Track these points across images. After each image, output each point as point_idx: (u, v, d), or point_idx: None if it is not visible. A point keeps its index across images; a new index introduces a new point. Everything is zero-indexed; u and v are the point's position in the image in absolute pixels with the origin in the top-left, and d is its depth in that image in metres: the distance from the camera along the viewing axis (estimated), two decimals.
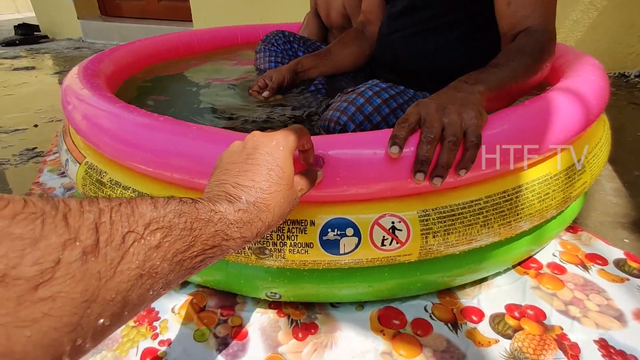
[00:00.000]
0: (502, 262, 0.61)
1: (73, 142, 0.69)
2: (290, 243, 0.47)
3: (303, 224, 0.47)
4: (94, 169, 0.60)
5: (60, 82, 1.85)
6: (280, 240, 0.47)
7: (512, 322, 0.54)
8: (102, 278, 0.21)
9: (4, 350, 0.17)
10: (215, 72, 1.16)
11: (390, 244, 0.48)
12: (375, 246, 0.48)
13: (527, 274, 0.63)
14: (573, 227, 0.73)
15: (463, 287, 0.61)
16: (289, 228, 0.47)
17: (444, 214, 0.49)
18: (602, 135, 0.67)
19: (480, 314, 0.56)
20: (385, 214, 0.48)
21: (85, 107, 0.63)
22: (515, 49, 0.59)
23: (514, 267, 0.64)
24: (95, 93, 0.64)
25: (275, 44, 1.07)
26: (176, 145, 0.49)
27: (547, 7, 0.63)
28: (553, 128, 0.53)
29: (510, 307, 0.57)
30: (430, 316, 0.56)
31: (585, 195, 0.76)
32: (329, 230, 0.47)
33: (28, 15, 4.32)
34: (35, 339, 0.17)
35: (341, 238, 0.47)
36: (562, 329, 0.53)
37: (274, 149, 0.36)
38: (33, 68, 2.13)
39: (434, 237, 0.49)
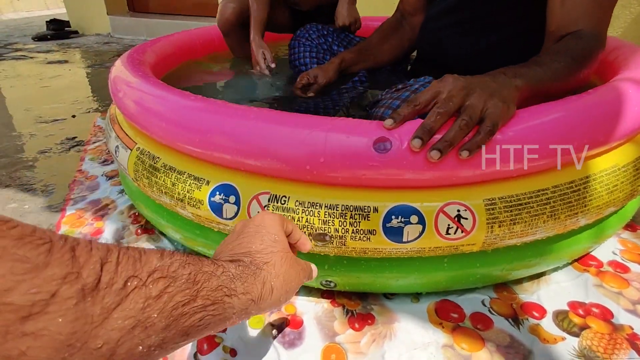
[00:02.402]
0: (561, 257, 0.58)
1: (122, 129, 0.70)
2: (352, 230, 0.46)
3: (366, 210, 0.46)
4: (147, 154, 0.60)
5: (92, 75, 1.88)
6: (342, 227, 0.46)
7: (577, 319, 0.52)
8: (94, 322, 0.19)
9: None
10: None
11: (455, 233, 0.46)
12: (440, 235, 0.46)
13: (588, 271, 0.60)
14: (632, 226, 0.70)
15: (520, 282, 0.59)
16: (351, 214, 0.46)
17: (510, 203, 0.47)
18: None
19: (542, 310, 0.54)
20: (450, 202, 0.46)
21: (137, 93, 0.63)
22: (562, 50, 0.55)
23: (571, 263, 0.62)
24: (146, 80, 0.64)
25: (310, 38, 1.06)
26: (230, 126, 0.49)
27: (603, 13, 0.58)
28: (621, 118, 0.51)
29: (574, 305, 0.54)
30: (490, 310, 0.54)
31: None
32: (393, 217, 0.45)
33: (56, 12, 4.42)
34: None
35: (405, 225, 0.45)
36: (632, 329, 0.50)
37: (263, 219, 0.38)
38: (66, 62, 2.18)
39: (499, 226, 0.47)
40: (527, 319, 0.52)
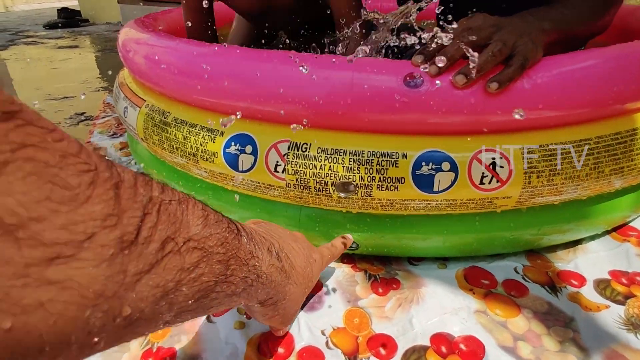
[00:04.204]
0: (598, 223, 0.54)
1: (130, 89, 0.67)
2: (379, 178, 0.42)
3: (394, 157, 0.42)
4: (156, 110, 0.57)
5: (102, 58, 1.86)
6: (369, 174, 0.42)
7: (620, 288, 0.48)
8: (125, 284, 0.15)
9: None
10: None
11: (489, 183, 0.42)
12: (473, 184, 0.42)
13: (628, 241, 0.56)
14: None
15: (554, 250, 0.54)
16: (378, 161, 0.42)
17: (550, 152, 0.43)
18: None
19: (581, 279, 0.49)
20: (485, 149, 0.42)
21: (145, 48, 0.60)
22: None
23: (609, 233, 0.58)
24: (156, 34, 0.61)
25: None
26: (246, 70, 0.45)
27: None
28: None
29: (616, 274, 0.50)
30: (523, 277, 0.50)
31: None
32: (423, 163, 0.42)
33: (68, 3, 4.44)
34: (14, 337, 0.12)
35: (436, 173, 0.42)
36: None
37: (317, 256, 0.39)
38: (76, 47, 2.17)
39: (538, 177, 0.43)
40: (566, 287, 0.48)
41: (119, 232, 0.15)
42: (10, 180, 0.11)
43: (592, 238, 0.56)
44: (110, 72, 1.60)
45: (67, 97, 1.26)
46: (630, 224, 0.60)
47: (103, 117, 1.09)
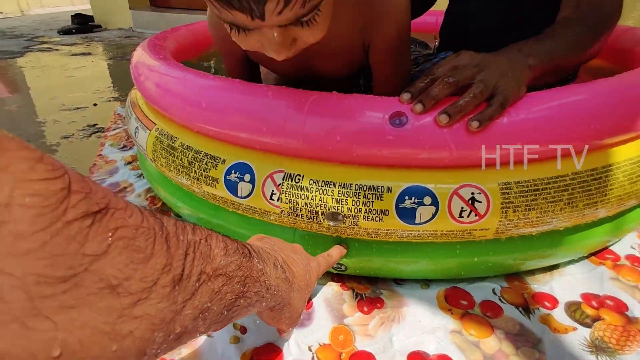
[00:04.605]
0: (578, 249, 0.57)
1: (142, 111, 0.71)
2: (365, 210, 0.46)
3: (379, 191, 0.46)
4: (165, 135, 0.62)
5: (113, 66, 1.93)
6: (355, 206, 0.46)
7: (590, 311, 0.51)
8: (177, 310, 0.21)
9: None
10: None
11: (468, 216, 0.46)
12: (453, 217, 0.46)
13: (604, 264, 0.59)
14: None
15: (532, 273, 0.58)
16: (364, 194, 0.46)
17: (526, 188, 0.47)
18: None
19: (554, 301, 0.53)
20: (465, 184, 0.46)
21: (156, 75, 0.64)
22: (575, 19, 0.55)
23: (587, 257, 0.61)
24: (166, 62, 0.66)
25: None
26: (245, 104, 0.50)
27: None
28: None
29: (587, 297, 0.54)
30: (500, 299, 0.53)
31: None
32: (406, 197, 0.46)
33: (82, 8, 4.53)
34: (117, 355, 0.18)
35: (418, 206, 0.46)
36: None
37: (314, 264, 0.44)
38: (89, 54, 2.23)
39: (514, 211, 0.47)
40: (538, 309, 0.52)
41: (172, 274, 0.20)
42: (113, 256, 0.17)
43: (570, 261, 0.60)
44: (121, 81, 1.65)
45: (79, 108, 1.32)
46: (610, 248, 0.63)
47: (114, 130, 1.14)
